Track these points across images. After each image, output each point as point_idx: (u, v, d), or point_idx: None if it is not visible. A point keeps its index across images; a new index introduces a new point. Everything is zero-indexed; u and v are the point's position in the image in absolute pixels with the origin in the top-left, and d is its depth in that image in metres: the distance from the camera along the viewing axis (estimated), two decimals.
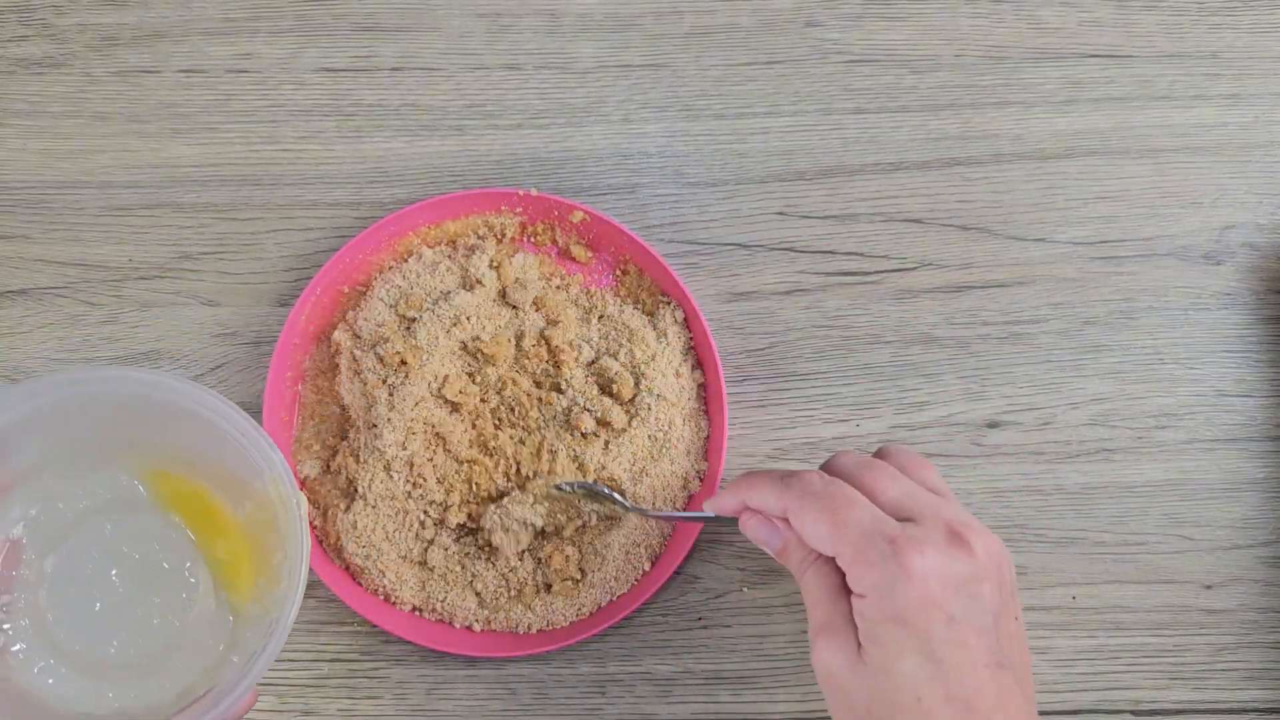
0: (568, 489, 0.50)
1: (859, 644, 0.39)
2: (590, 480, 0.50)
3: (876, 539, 0.38)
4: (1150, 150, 0.57)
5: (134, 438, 0.45)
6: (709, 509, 0.46)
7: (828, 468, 0.43)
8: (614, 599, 0.52)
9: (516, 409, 0.52)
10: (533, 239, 0.55)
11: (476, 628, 0.52)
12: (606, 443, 0.51)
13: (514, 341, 0.53)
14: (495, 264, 0.54)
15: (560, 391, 0.52)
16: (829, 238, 0.57)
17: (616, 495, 0.50)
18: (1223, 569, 0.54)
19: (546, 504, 0.51)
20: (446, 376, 0.52)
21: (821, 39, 0.58)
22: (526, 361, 0.52)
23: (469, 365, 0.53)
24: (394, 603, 0.52)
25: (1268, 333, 0.56)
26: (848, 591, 0.39)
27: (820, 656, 0.40)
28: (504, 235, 0.55)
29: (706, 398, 0.54)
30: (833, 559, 0.40)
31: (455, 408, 0.52)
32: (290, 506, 0.41)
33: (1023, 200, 0.57)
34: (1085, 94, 0.58)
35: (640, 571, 0.52)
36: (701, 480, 0.53)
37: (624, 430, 0.51)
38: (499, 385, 0.52)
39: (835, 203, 0.57)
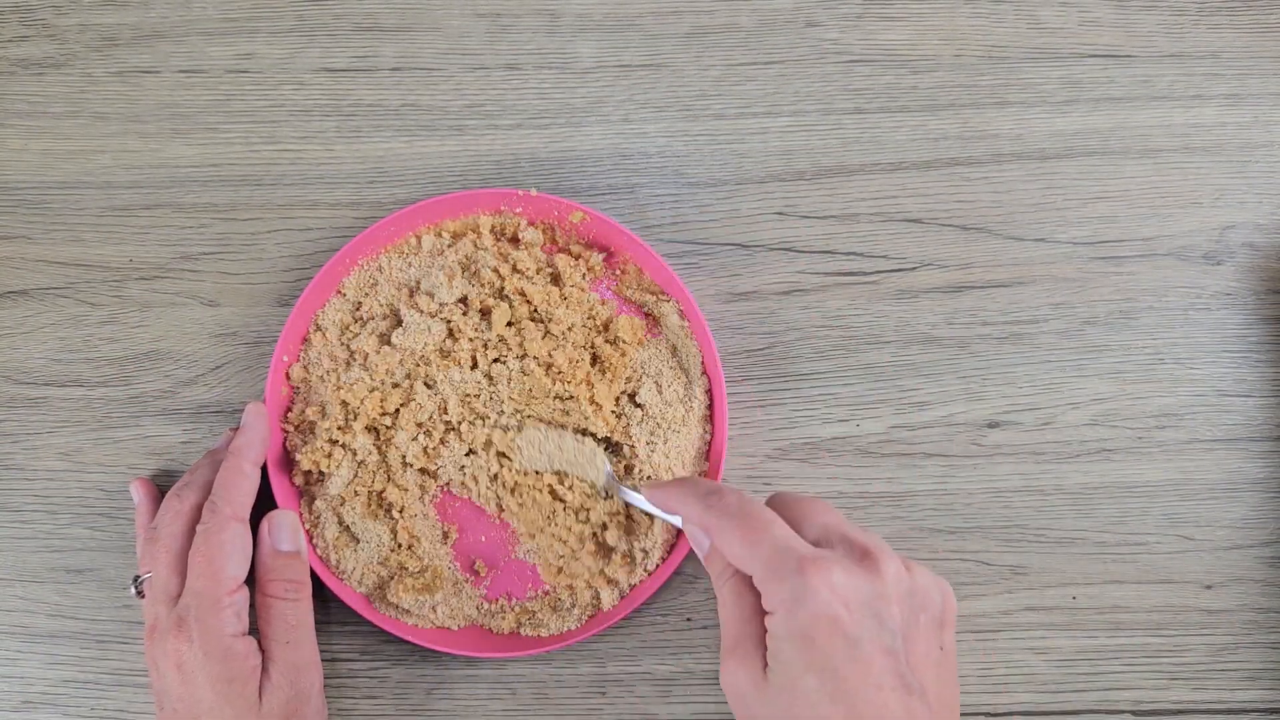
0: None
1: (765, 664, 0.38)
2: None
3: (788, 556, 0.38)
4: (1150, 150, 0.57)
5: None
6: (649, 499, 0.46)
7: (769, 499, 0.43)
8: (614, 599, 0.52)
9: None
10: None
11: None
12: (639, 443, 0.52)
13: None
14: (494, 264, 0.54)
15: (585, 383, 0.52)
16: (829, 238, 0.57)
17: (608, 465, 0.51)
18: (1223, 569, 0.54)
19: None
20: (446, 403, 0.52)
21: (821, 39, 0.58)
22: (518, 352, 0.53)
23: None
24: None
25: (1268, 332, 0.56)
26: (763, 613, 0.39)
27: (727, 676, 0.39)
28: (503, 235, 0.55)
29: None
30: (749, 577, 0.40)
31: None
32: None
33: (1022, 200, 0.57)
34: (1085, 94, 0.58)
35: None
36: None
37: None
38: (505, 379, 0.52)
39: (835, 203, 0.57)
